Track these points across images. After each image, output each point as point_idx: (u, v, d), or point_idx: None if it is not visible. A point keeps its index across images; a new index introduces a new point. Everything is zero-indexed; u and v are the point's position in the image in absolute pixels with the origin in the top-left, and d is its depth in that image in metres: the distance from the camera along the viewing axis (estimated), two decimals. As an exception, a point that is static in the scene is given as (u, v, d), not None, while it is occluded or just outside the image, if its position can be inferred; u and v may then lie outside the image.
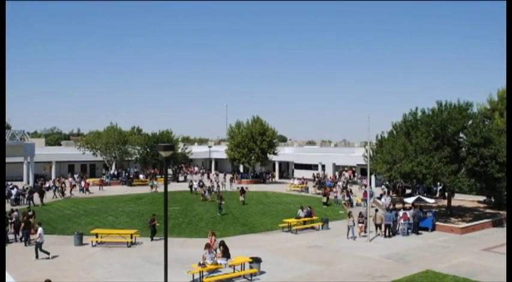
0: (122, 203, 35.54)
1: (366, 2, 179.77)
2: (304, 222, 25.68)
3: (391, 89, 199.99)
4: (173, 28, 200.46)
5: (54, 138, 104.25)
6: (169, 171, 55.22)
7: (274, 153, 55.24)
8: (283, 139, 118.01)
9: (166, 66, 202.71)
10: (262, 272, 16.75)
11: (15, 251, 20.06)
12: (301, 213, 26.25)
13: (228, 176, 52.62)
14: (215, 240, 18.46)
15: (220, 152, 64.56)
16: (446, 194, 33.79)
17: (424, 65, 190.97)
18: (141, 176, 53.88)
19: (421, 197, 29.48)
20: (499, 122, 31.05)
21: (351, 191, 37.44)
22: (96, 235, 21.78)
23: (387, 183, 41.33)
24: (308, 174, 56.99)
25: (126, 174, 53.11)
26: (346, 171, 63.28)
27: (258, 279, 16.29)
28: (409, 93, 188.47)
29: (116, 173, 54.75)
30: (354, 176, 57.90)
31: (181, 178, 56.62)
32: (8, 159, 36.06)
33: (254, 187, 48.39)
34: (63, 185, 41.82)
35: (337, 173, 56.81)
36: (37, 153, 47.61)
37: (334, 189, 40.29)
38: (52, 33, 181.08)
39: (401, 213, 24.75)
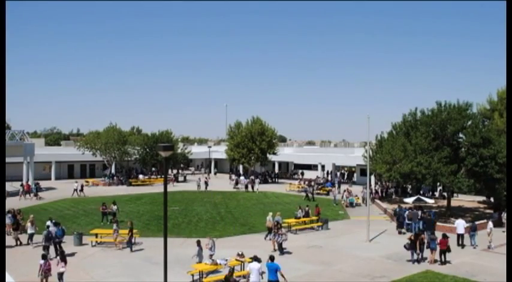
0: (122, 203, 35.49)
1: (366, 1, 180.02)
2: (304, 223, 25.68)
3: (391, 89, 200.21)
4: (173, 28, 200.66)
5: (54, 138, 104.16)
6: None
7: (274, 153, 55.25)
8: (283, 139, 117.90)
9: (166, 66, 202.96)
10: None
11: (15, 251, 20.05)
12: (299, 213, 26.29)
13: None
14: None
15: (220, 152, 64.57)
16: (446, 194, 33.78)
17: (424, 65, 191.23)
18: (140, 177, 53.87)
19: (421, 197, 29.46)
20: (498, 123, 31.01)
21: (350, 192, 37.40)
22: (96, 235, 21.79)
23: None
24: (308, 174, 57.13)
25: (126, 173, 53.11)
26: (346, 171, 63.25)
27: (258, 280, 16.24)
28: (409, 94, 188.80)
29: (114, 173, 54.77)
30: (353, 176, 57.91)
31: (180, 178, 56.78)
32: (7, 159, 36.01)
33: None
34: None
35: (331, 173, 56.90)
36: (37, 153, 47.62)
37: (333, 190, 40.35)
38: (52, 33, 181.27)
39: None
